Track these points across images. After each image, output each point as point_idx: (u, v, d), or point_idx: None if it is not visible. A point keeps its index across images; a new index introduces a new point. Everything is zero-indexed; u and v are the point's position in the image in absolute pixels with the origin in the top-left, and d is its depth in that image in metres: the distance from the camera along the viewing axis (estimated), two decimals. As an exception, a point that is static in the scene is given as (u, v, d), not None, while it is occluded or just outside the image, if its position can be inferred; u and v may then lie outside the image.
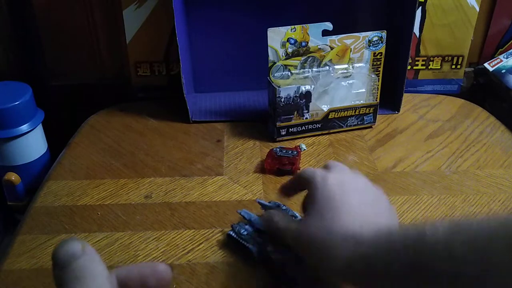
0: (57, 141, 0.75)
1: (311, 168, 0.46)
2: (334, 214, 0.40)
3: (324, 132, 0.72)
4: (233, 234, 0.52)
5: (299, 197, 0.58)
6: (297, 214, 0.54)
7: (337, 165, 0.48)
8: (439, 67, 0.83)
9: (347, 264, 0.37)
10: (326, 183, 0.43)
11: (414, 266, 0.33)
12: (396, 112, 0.78)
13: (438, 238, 0.32)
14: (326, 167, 0.48)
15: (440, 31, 0.80)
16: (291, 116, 0.69)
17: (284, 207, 0.55)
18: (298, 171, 0.56)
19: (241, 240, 0.51)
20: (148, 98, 0.83)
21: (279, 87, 0.67)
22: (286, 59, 0.68)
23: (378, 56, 0.70)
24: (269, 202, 0.56)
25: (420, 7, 0.78)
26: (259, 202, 0.56)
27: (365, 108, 0.72)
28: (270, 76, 0.68)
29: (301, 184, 0.47)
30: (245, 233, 0.52)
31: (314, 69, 0.69)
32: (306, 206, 0.45)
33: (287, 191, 0.51)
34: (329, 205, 0.41)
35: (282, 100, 0.67)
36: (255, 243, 0.51)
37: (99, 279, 0.26)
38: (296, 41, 0.67)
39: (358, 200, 0.42)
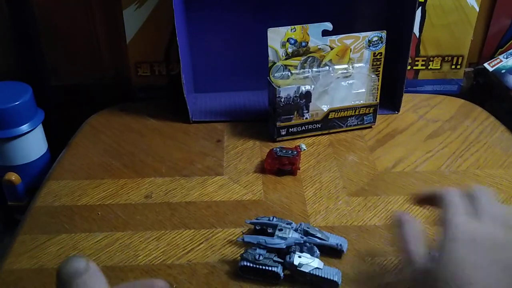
0: (57, 141, 0.75)
1: (456, 198, 0.39)
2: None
3: (324, 132, 0.72)
4: (248, 264, 0.48)
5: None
6: (290, 221, 0.54)
7: (488, 209, 0.39)
8: (439, 67, 0.83)
9: None
10: (457, 239, 0.36)
11: None
12: (396, 112, 0.78)
13: None
14: (473, 201, 0.39)
15: (440, 31, 0.80)
16: (291, 116, 0.69)
17: (275, 219, 0.54)
18: (422, 194, 0.46)
19: (260, 266, 0.48)
20: (148, 98, 0.83)
21: (279, 87, 0.67)
22: (286, 59, 0.68)
23: (378, 56, 0.70)
24: (257, 219, 0.54)
25: (420, 7, 0.78)
26: (251, 223, 0.54)
27: (365, 108, 0.72)
28: (270, 76, 0.68)
29: (438, 206, 0.41)
30: (261, 257, 0.48)
31: (314, 69, 0.69)
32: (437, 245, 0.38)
33: (421, 201, 0.46)
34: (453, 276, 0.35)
35: (282, 100, 0.67)
36: (276, 263, 0.48)
37: None
38: (296, 41, 0.67)
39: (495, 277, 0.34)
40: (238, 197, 0.61)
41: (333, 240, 0.52)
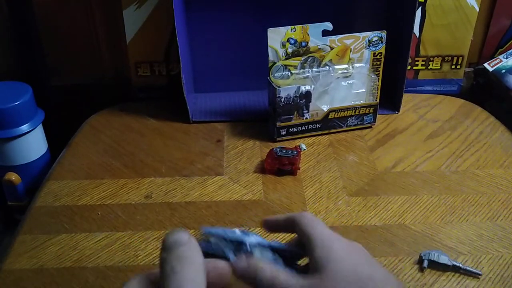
0: (57, 141, 0.75)
1: (307, 218, 0.40)
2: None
3: (324, 132, 0.72)
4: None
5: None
6: (264, 241, 0.41)
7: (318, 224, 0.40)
8: (439, 67, 0.83)
9: None
10: (331, 250, 0.37)
11: None
12: (396, 112, 0.78)
13: None
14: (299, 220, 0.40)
15: (440, 31, 0.80)
16: (291, 116, 0.69)
17: (237, 232, 0.41)
18: (293, 213, 0.42)
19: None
20: (148, 98, 0.83)
21: (279, 87, 0.67)
22: (286, 59, 0.68)
23: (378, 56, 0.70)
24: (217, 228, 0.41)
25: (420, 7, 0.78)
26: (205, 231, 0.41)
27: (365, 108, 0.72)
28: (270, 76, 0.68)
29: (293, 230, 0.41)
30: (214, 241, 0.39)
31: (314, 69, 0.69)
32: (310, 265, 0.38)
33: (274, 227, 0.44)
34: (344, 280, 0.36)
35: (282, 100, 0.67)
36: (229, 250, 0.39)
37: (196, 266, 0.30)
38: (296, 41, 0.67)
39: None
40: (238, 197, 0.61)
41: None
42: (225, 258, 0.38)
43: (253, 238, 0.40)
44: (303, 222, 0.40)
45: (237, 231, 0.41)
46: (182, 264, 0.29)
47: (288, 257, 0.41)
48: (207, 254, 0.38)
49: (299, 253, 0.41)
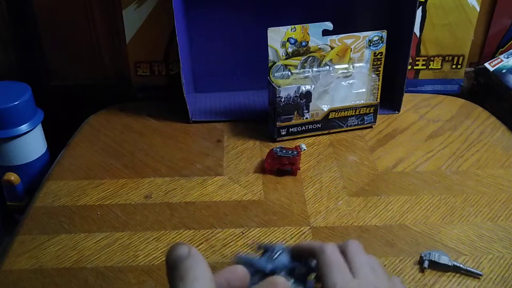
0: (57, 141, 0.75)
1: (333, 256, 0.39)
2: None
3: (324, 132, 0.72)
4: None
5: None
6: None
7: (357, 260, 0.40)
8: (439, 67, 0.83)
9: None
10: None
11: None
12: (397, 112, 0.78)
13: None
14: (346, 255, 0.40)
15: (441, 31, 0.80)
16: (291, 116, 0.69)
17: (279, 251, 0.43)
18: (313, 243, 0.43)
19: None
20: (148, 98, 0.83)
21: (279, 87, 0.67)
22: (286, 59, 0.67)
23: (379, 56, 0.70)
24: (260, 245, 0.44)
25: (421, 7, 0.78)
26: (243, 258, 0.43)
27: (365, 108, 0.72)
28: (270, 76, 0.68)
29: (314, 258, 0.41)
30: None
31: (314, 69, 0.69)
32: None
33: (298, 254, 0.43)
34: None
35: (282, 100, 0.67)
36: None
37: (201, 281, 0.29)
38: (296, 41, 0.67)
39: None
40: (238, 197, 0.60)
41: None
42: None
43: (279, 263, 0.42)
44: (321, 259, 0.39)
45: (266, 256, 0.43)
46: (185, 282, 0.29)
47: (302, 274, 0.42)
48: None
49: (310, 268, 0.43)
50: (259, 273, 0.42)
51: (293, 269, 0.43)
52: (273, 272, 0.42)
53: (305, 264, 0.43)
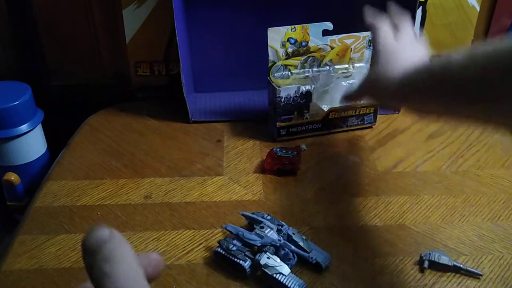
0: (57, 141, 0.75)
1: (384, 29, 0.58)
2: (389, 63, 0.53)
3: (324, 132, 0.72)
4: (221, 251, 0.50)
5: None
6: (283, 223, 0.53)
7: (403, 32, 0.58)
8: (439, 67, 0.83)
9: (398, 87, 0.50)
10: (386, 44, 0.56)
11: (442, 79, 0.44)
12: (397, 112, 0.78)
13: (462, 56, 0.41)
14: (397, 28, 0.59)
15: (441, 31, 0.80)
16: (291, 116, 0.69)
17: (268, 217, 0.54)
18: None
19: (230, 256, 0.49)
20: (148, 98, 0.83)
21: (279, 87, 0.66)
22: (286, 59, 0.67)
23: (379, 56, 0.70)
24: (253, 213, 0.54)
25: (421, 7, 0.78)
26: (243, 214, 0.55)
27: (365, 108, 0.72)
28: (270, 76, 0.68)
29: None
30: (234, 248, 0.50)
31: (314, 69, 0.69)
32: (372, 59, 0.58)
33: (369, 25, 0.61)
34: (386, 58, 0.55)
35: (282, 100, 0.67)
36: (246, 258, 0.49)
37: (129, 260, 0.27)
38: (296, 41, 0.67)
39: (404, 56, 0.54)
40: (238, 197, 0.60)
41: (314, 253, 0.50)
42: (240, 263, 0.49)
43: (268, 239, 0.50)
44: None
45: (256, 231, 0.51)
46: (112, 264, 0.26)
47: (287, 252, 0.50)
48: (224, 256, 0.50)
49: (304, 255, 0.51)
50: (248, 246, 0.50)
51: (280, 247, 0.50)
52: (262, 247, 0.50)
53: (291, 242, 0.51)
